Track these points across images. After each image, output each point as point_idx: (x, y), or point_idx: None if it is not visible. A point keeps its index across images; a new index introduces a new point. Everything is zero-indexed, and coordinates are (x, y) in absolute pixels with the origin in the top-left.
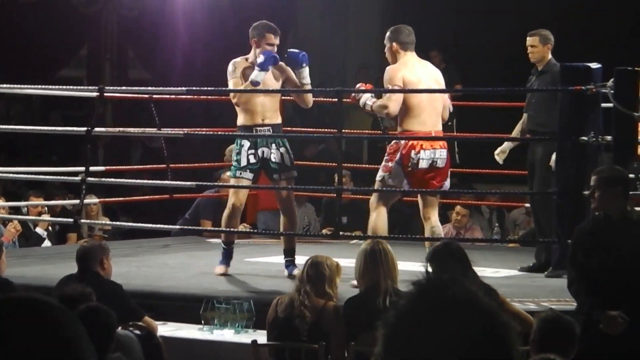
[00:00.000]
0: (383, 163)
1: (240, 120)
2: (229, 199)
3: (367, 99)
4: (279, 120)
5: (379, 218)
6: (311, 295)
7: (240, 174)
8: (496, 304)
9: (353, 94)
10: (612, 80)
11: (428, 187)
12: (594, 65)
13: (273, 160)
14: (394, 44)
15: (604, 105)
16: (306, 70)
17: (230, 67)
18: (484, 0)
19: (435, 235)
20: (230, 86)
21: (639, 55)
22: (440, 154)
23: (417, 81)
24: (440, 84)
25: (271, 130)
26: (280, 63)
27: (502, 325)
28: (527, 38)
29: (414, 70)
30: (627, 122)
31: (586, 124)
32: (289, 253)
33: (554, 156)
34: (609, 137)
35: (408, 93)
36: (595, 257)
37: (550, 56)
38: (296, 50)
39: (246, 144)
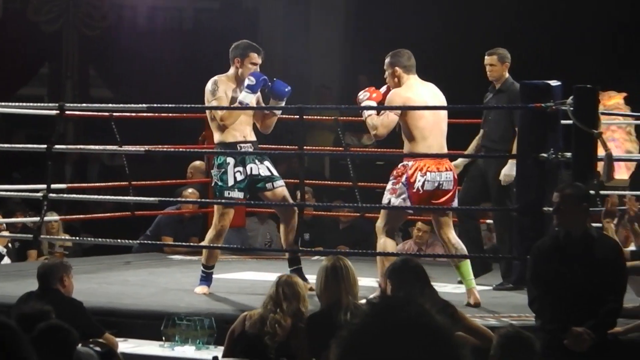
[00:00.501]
0: (389, 186)
1: (219, 137)
2: (215, 220)
3: (368, 110)
4: (255, 137)
5: (387, 241)
6: (286, 314)
7: (229, 193)
8: (450, 323)
9: (360, 97)
10: (571, 97)
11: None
12: (554, 83)
13: (261, 173)
14: (397, 68)
15: (563, 122)
16: (283, 103)
17: (210, 86)
18: (442, 19)
19: (458, 252)
20: (213, 104)
21: (599, 72)
22: (446, 176)
23: (422, 103)
24: (445, 104)
25: (252, 147)
26: None
27: (454, 344)
28: (486, 57)
29: (418, 93)
30: (587, 139)
31: (546, 141)
32: (295, 261)
33: (503, 171)
34: (568, 154)
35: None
36: (557, 275)
37: (507, 75)
38: (284, 84)
39: (231, 161)
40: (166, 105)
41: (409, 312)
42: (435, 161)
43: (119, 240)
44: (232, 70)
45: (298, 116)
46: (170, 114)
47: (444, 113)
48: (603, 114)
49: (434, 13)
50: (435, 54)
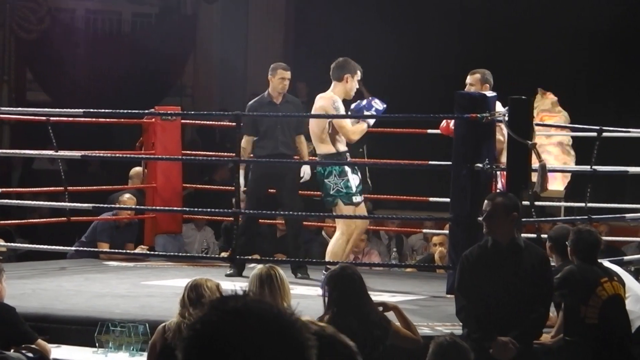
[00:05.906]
0: None
1: (329, 148)
2: (344, 228)
3: None
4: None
5: None
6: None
7: (355, 198)
8: (297, 318)
9: None
10: (506, 108)
11: None
12: (489, 93)
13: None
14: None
15: None
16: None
17: (333, 104)
18: (383, 30)
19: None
20: (347, 122)
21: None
22: None
23: None
24: None
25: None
26: None
27: (298, 332)
28: (286, 72)
29: None
30: (521, 150)
31: (481, 152)
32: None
33: (304, 169)
34: (503, 165)
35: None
36: (484, 284)
37: None
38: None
39: (348, 169)
40: (103, 110)
41: (246, 302)
42: None
43: (54, 247)
44: (340, 88)
45: (235, 123)
46: (107, 119)
47: None
48: (538, 125)
49: (375, 22)
50: (375, 64)
